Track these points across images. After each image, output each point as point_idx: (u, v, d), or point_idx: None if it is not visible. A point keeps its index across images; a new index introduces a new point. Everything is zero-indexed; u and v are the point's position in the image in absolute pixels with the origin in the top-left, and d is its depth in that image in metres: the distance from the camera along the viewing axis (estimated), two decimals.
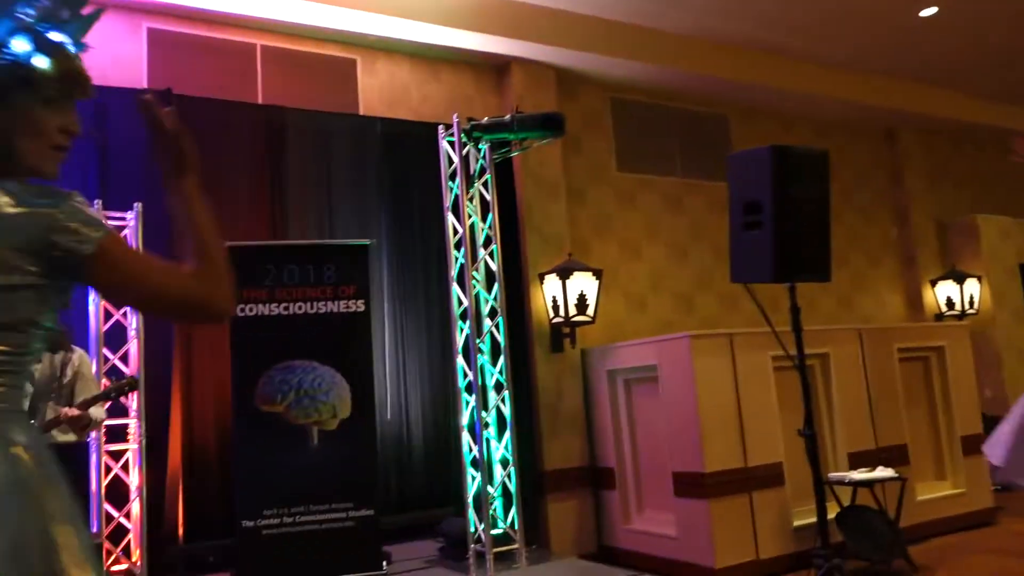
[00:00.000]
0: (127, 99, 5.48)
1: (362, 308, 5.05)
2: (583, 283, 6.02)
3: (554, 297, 6.10)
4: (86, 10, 1.49)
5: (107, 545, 4.59)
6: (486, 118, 5.41)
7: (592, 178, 7.16)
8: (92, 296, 4.85)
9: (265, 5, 5.84)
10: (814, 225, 3.81)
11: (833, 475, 5.16)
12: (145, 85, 5.90)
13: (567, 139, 6.34)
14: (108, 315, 4.95)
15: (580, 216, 6.97)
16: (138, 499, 4.73)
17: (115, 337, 4.96)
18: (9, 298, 1.26)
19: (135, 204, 5.03)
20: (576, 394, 6.25)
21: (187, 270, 1.38)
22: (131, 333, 4.96)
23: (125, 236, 5.02)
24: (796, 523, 5.17)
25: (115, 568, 4.64)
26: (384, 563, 4.73)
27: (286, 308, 4.98)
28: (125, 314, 5.01)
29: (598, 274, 6.11)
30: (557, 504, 6.00)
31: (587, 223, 7.03)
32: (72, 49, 1.43)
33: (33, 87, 1.35)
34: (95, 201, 4.91)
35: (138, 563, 4.64)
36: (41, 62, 1.36)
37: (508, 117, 5.22)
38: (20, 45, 1.34)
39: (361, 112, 6.50)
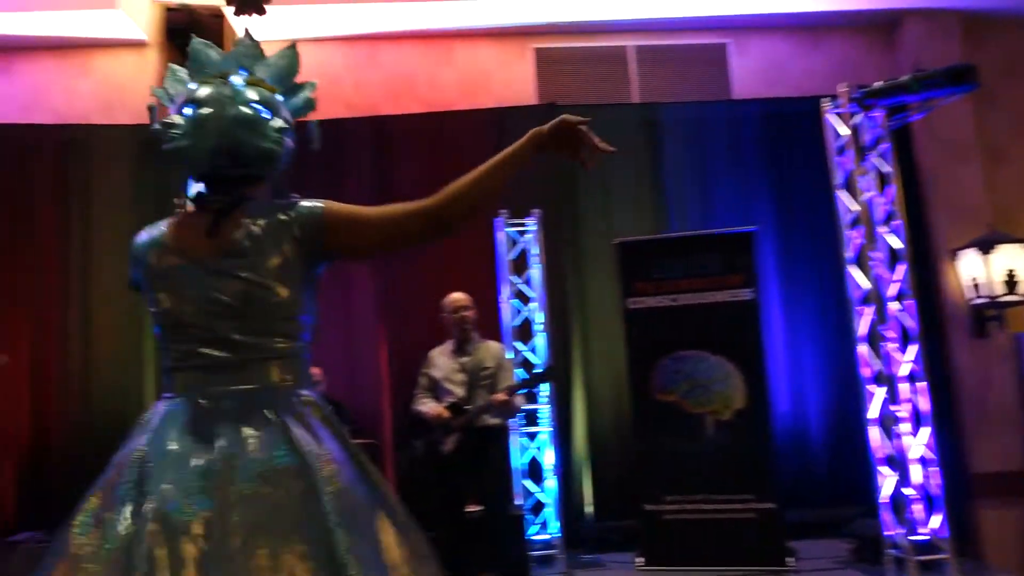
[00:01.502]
0: (520, 116, 6.07)
1: (750, 296, 4.93)
2: (1012, 257, 5.16)
3: (973, 275, 5.32)
4: None
5: (529, 516, 5.11)
6: (878, 83, 4.91)
7: (1016, 133, 6.10)
8: (505, 296, 5.46)
9: (635, 7, 6.02)
10: None
11: None
12: (535, 101, 6.48)
13: (979, 93, 5.47)
14: (516, 312, 5.52)
15: (1001, 179, 5.98)
16: (552, 477, 5.20)
17: (524, 332, 5.51)
18: (295, 295, 1.48)
19: (534, 211, 5.53)
20: (1009, 386, 5.38)
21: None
22: (537, 328, 5.47)
23: (526, 242, 5.55)
24: None
25: (536, 537, 5.15)
26: (789, 559, 4.56)
27: (674, 300, 5.06)
28: (532, 310, 5.54)
29: None
30: (992, 512, 5.22)
31: (1011, 186, 6.01)
32: None
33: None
34: (502, 210, 5.51)
35: (555, 536, 5.09)
36: None
37: (907, 77, 4.68)
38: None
39: (735, 96, 6.37)
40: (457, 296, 4.30)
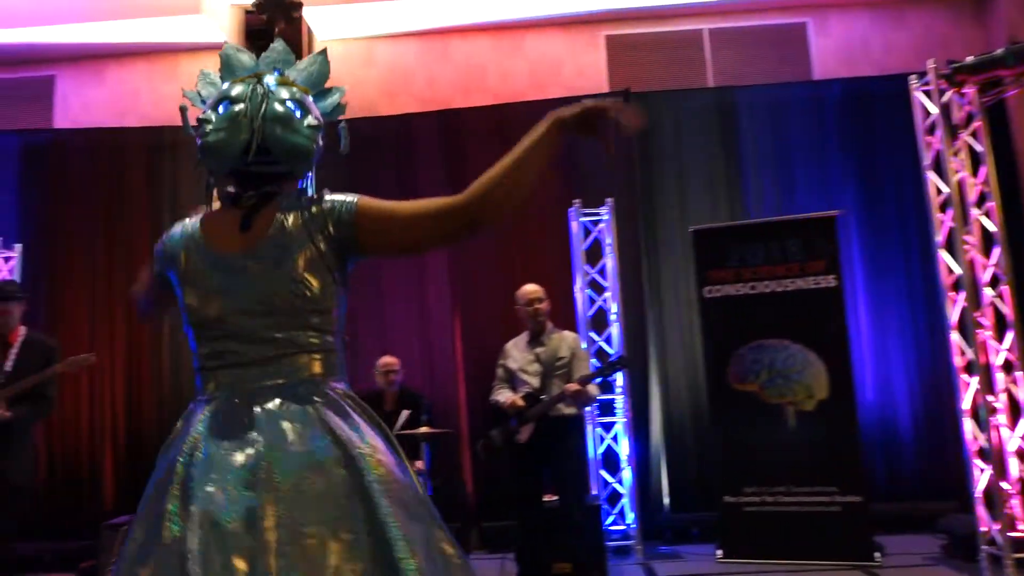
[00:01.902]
0: None
1: (833, 283, 4.78)
2: None
3: None
4: None
5: (605, 507, 5.09)
6: (969, 57, 4.68)
7: None
8: (578, 285, 5.44)
9: None
10: None
11: None
12: (606, 89, 6.42)
13: None
14: (591, 302, 5.50)
15: None
16: (628, 468, 5.17)
17: (598, 322, 5.48)
18: (326, 289, 1.46)
19: (607, 200, 5.48)
20: None
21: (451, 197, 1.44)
22: (612, 317, 5.44)
23: (600, 231, 5.52)
24: None
25: (613, 527, 5.14)
26: (876, 554, 4.42)
27: (752, 287, 4.95)
28: (606, 300, 5.51)
29: None
30: None
31: None
32: None
33: None
34: (575, 200, 5.49)
35: (633, 527, 5.07)
36: None
37: (1001, 51, 4.44)
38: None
39: (815, 77, 6.17)
40: (530, 288, 4.29)
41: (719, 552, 4.74)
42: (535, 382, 4.12)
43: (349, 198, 1.49)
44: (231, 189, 1.53)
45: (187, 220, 1.57)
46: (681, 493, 5.49)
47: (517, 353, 4.25)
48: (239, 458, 1.32)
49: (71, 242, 6.01)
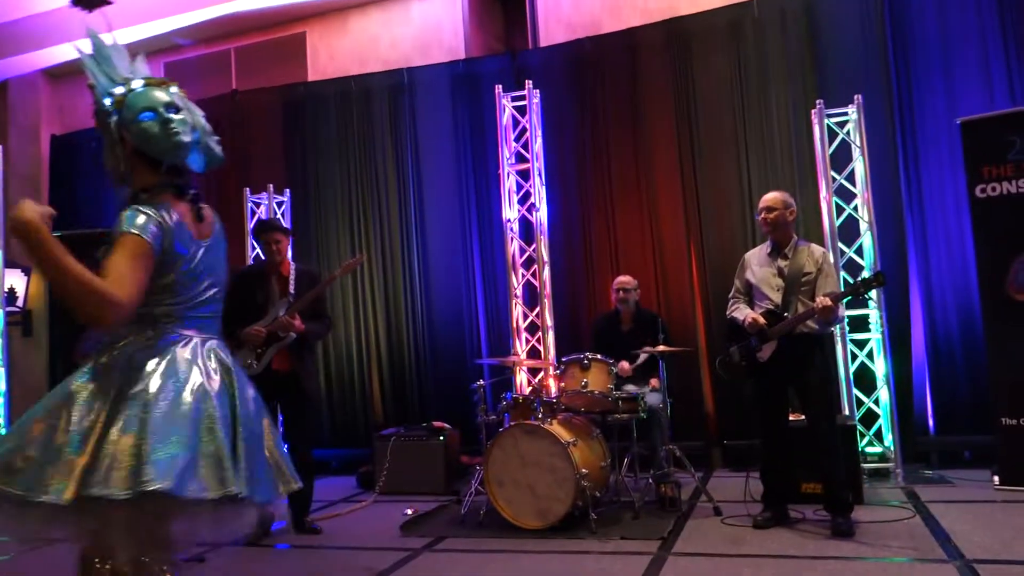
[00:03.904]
0: None
1: None
2: None
3: None
4: None
5: (860, 428, 4.78)
6: None
7: None
8: (823, 193, 5.04)
9: None
10: None
11: None
12: None
13: None
14: (840, 210, 5.07)
15: None
16: (885, 387, 4.81)
17: (847, 232, 5.06)
18: None
19: (855, 97, 4.99)
20: None
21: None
22: (863, 226, 5.00)
23: (847, 133, 5.04)
24: None
25: (870, 449, 4.84)
26: None
27: None
28: (856, 208, 5.06)
29: None
30: None
31: None
32: None
33: None
34: (817, 101, 5.06)
35: (891, 449, 4.74)
36: None
37: None
38: None
39: None
40: (772, 196, 4.00)
41: (996, 478, 4.30)
42: (776, 298, 3.88)
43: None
44: (179, 182, 1.85)
45: (160, 207, 1.79)
46: (949, 414, 5.02)
47: (757, 266, 4.01)
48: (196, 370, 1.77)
49: (330, 183, 6.61)
